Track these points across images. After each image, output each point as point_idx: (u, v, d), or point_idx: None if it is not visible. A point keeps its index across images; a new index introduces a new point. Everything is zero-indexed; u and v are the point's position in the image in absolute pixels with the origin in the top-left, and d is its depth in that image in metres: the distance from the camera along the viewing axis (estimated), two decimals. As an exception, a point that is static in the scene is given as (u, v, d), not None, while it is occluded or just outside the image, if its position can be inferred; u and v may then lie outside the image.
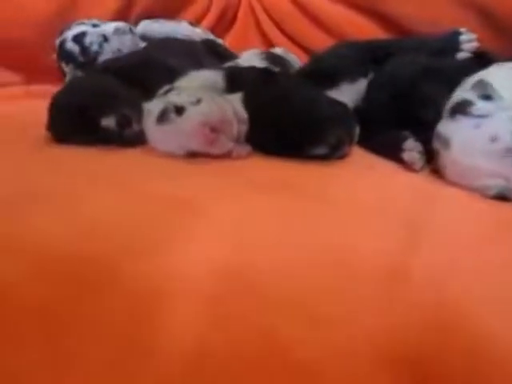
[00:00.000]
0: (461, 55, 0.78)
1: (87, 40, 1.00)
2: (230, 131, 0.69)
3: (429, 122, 0.66)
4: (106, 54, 0.99)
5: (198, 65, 0.92)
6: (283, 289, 0.41)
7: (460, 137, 0.57)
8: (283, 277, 0.43)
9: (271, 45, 1.30)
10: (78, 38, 1.01)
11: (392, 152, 0.67)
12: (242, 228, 0.50)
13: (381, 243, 0.47)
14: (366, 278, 0.42)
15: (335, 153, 0.68)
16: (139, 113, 0.75)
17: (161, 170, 0.66)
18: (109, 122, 0.73)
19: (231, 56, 1.07)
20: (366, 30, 1.14)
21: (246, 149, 0.71)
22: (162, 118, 0.70)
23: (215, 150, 0.69)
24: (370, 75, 0.79)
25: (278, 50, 0.97)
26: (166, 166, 0.67)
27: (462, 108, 0.58)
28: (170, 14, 1.27)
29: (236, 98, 0.74)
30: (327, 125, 0.66)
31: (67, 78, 1.04)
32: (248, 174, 0.64)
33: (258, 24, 1.32)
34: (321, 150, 0.68)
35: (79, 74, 1.00)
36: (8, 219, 0.50)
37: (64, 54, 1.02)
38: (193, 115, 0.68)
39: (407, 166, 0.66)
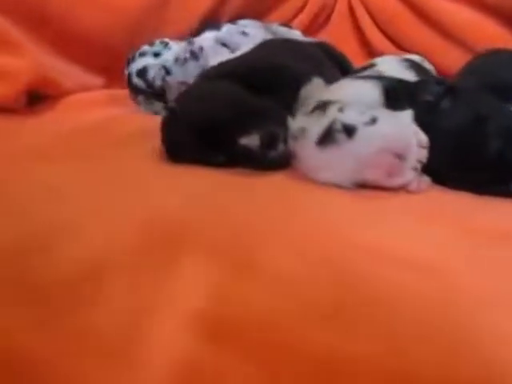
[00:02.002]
0: None
1: (150, 75, 0.90)
2: (412, 158, 0.55)
3: None
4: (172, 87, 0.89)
5: (321, 71, 0.79)
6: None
7: None
8: None
9: (370, 49, 1.17)
10: (142, 73, 0.90)
11: None
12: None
13: None
14: None
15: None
16: (285, 130, 0.62)
17: (336, 207, 0.52)
18: (251, 140, 0.60)
19: (348, 62, 0.93)
20: (493, 34, 0.99)
21: (426, 180, 0.57)
22: (326, 139, 0.56)
23: (395, 182, 0.55)
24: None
25: (415, 57, 0.83)
26: (336, 202, 0.54)
27: None
28: (261, 13, 1.15)
29: (407, 117, 0.60)
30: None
31: (142, 107, 0.93)
32: (462, 220, 0.49)
33: (356, 26, 1.19)
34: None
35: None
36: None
37: (132, 87, 0.92)
38: (370, 138, 0.54)
39: None
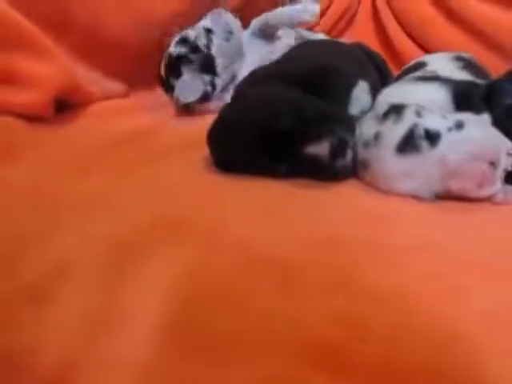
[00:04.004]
0: None
1: (191, 36, 0.86)
2: (502, 166, 0.51)
3: None
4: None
5: (364, 72, 0.75)
6: None
7: None
8: None
9: (394, 51, 1.14)
10: (183, 40, 0.86)
11: None
12: None
13: None
14: None
15: None
16: (353, 136, 0.58)
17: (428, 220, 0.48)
18: (319, 148, 0.55)
19: (385, 63, 0.89)
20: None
21: (511, 190, 0.53)
22: (407, 146, 0.52)
23: (484, 193, 0.51)
24: None
25: (465, 55, 0.79)
26: (425, 215, 0.49)
27: None
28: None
29: (485, 122, 0.56)
30: None
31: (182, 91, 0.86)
32: None
33: (379, 28, 1.16)
34: None
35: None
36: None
37: (172, 64, 0.87)
38: (459, 144, 0.50)
39: None
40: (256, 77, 0.70)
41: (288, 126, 0.55)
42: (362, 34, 1.17)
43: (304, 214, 0.50)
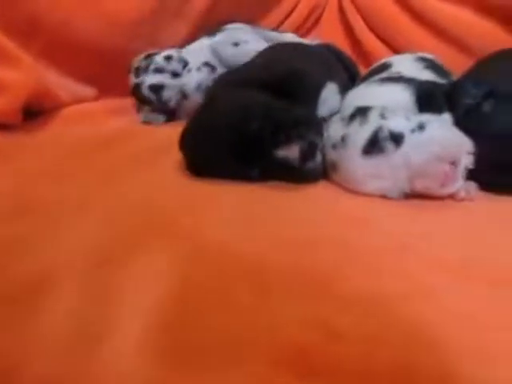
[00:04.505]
0: None
1: (165, 94, 0.86)
2: (463, 165, 0.53)
3: None
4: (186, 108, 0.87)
5: (332, 74, 0.76)
6: None
7: None
8: None
9: (362, 50, 1.16)
10: (156, 90, 0.86)
11: None
12: None
13: None
14: None
15: None
16: (322, 139, 0.59)
17: (399, 220, 0.50)
18: (290, 151, 0.56)
19: (354, 64, 0.91)
20: (491, 34, 0.99)
21: (473, 186, 0.56)
22: (373, 148, 0.54)
23: (447, 190, 0.53)
24: None
25: (428, 56, 0.81)
26: (396, 214, 0.51)
27: None
28: (252, 17, 1.12)
29: (446, 122, 0.58)
30: None
31: (142, 117, 0.88)
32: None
33: (347, 27, 1.18)
34: None
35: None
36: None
37: (140, 97, 0.88)
38: (422, 145, 0.52)
39: None
40: (226, 81, 0.71)
41: (259, 130, 0.57)
42: (329, 33, 1.18)
43: (278, 216, 0.52)
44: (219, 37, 0.95)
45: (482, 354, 0.33)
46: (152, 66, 0.85)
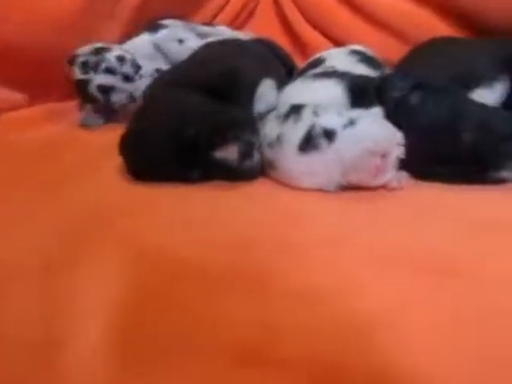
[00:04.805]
0: None
1: (114, 97, 0.82)
2: (394, 156, 0.56)
3: None
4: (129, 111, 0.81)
5: (269, 70, 0.77)
6: None
7: None
8: None
9: (298, 41, 1.17)
10: (105, 91, 0.82)
11: None
12: None
13: None
14: None
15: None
16: (258, 138, 0.60)
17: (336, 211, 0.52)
18: (228, 153, 0.57)
19: (290, 58, 0.92)
20: (427, 24, 1.02)
21: (405, 176, 0.58)
22: (307, 145, 0.55)
23: (379, 181, 0.55)
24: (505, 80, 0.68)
25: (358, 47, 0.83)
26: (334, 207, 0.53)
27: None
28: (184, 12, 1.11)
29: (377, 115, 0.60)
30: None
31: (83, 118, 0.85)
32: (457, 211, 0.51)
33: (282, 19, 1.18)
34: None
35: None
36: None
37: (85, 95, 0.83)
38: (353, 140, 0.54)
39: None
40: (163, 82, 0.70)
41: (196, 135, 0.57)
42: (264, 25, 1.18)
43: (217, 217, 0.53)
44: (162, 33, 0.94)
45: (409, 343, 0.35)
46: (103, 65, 0.81)
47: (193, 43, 0.93)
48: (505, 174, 0.56)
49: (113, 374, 0.36)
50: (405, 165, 0.58)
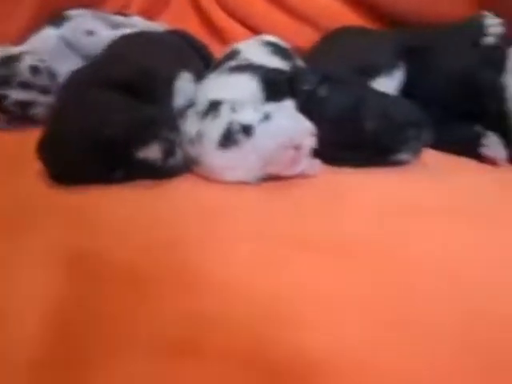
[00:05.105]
0: (487, 40, 0.77)
1: (34, 111, 0.79)
2: (307, 146, 0.60)
3: (492, 112, 0.65)
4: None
5: (186, 63, 0.79)
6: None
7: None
8: None
9: (215, 30, 1.18)
10: (24, 106, 0.78)
11: (469, 148, 0.65)
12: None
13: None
14: None
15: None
16: (179, 135, 0.63)
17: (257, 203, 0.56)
18: (150, 152, 0.59)
19: (207, 49, 0.94)
20: (338, 12, 1.07)
21: (317, 163, 0.63)
22: (227, 141, 0.58)
23: (295, 171, 0.60)
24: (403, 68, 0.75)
25: (271, 39, 0.86)
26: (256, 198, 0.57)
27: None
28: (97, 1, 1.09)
29: (290, 107, 0.65)
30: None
31: None
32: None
33: (198, 8, 1.19)
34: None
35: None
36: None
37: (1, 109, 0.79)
38: (269, 134, 0.58)
39: (489, 161, 0.64)
40: (79, 81, 0.70)
41: (117, 133, 0.58)
42: (180, 15, 1.19)
43: (144, 218, 0.54)
44: (68, 26, 0.91)
45: (325, 328, 0.39)
46: (16, 79, 0.77)
47: (104, 34, 0.91)
48: (403, 156, 0.63)
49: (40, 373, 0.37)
50: (317, 153, 0.63)
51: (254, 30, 1.12)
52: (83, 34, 0.91)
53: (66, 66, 0.83)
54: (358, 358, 0.37)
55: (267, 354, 0.37)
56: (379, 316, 0.40)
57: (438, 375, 0.35)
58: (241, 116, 0.59)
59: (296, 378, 0.36)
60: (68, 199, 0.58)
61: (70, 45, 0.89)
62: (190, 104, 0.70)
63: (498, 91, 0.66)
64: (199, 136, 0.60)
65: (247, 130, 0.58)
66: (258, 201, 0.57)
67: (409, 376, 0.36)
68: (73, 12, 0.95)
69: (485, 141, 0.64)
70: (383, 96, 0.66)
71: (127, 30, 0.92)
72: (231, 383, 0.36)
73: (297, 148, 0.58)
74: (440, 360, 0.36)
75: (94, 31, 0.91)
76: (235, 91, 0.65)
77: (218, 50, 0.98)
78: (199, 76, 0.78)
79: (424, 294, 0.42)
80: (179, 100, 0.73)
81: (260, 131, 0.58)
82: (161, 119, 0.61)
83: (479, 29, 0.77)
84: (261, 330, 0.39)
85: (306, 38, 0.99)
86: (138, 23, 1.03)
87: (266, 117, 0.59)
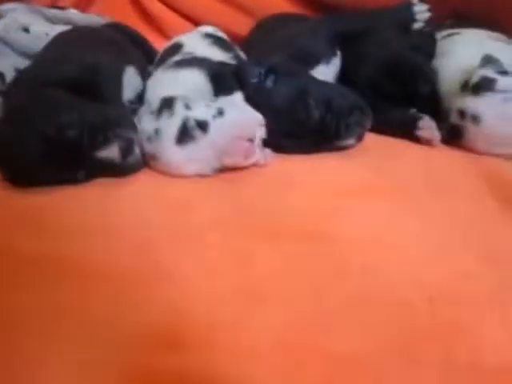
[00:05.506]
0: (416, 25, 0.83)
1: None
2: (258, 138, 0.64)
3: (424, 95, 0.72)
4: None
5: (128, 57, 0.80)
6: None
7: (491, 111, 0.64)
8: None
9: (145, 14, 1.18)
10: None
11: (406, 131, 0.71)
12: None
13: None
14: None
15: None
16: (136, 132, 0.65)
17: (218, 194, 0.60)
18: (109, 151, 0.61)
19: (146, 41, 0.95)
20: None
21: (269, 153, 0.67)
22: (184, 137, 0.61)
23: (249, 162, 0.64)
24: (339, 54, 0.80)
25: (209, 29, 0.88)
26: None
27: (487, 85, 0.65)
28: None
29: (239, 100, 0.68)
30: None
31: None
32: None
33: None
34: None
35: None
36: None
37: None
38: (223, 129, 0.61)
39: (425, 142, 0.71)
40: (25, 82, 0.69)
41: (74, 134, 0.59)
42: (115, 4, 1.18)
43: (108, 218, 0.56)
44: (1, 23, 0.90)
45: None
46: None
47: (41, 29, 0.89)
48: (348, 141, 0.68)
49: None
50: (267, 143, 0.67)
51: (193, 21, 1.14)
52: (19, 31, 0.89)
53: (6, 62, 0.83)
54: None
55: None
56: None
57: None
58: (195, 113, 0.62)
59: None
60: (25, 201, 0.58)
61: (7, 44, 0.87)
62: (140, 101, 0.72)
63: (429, 74, 0.72)
64: (157, 133, 0.62)
65: (203, 126, 0.61)
66: (216, 192, 0.61)
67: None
68: (6, 6, 0.93)
69: (420, 123, 0.71)
70: (325, 85, 0.71)
71: (64, 26, 0.91)
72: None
73: (250, 140, 0.62)
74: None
75: (30, 27, 0.90)
76: (185, 87, 0.68)
77: (153, 39, 1.00)
78: (144, 70, 0.80)
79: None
80: (128, 93, 0.74)
81: (215, 126, 0.61)
82: (119, 119, 0.63)
83: (408, 15, 0.83)
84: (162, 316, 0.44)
85: (242, 24, 1.01)
86: (74, 16, 1.02)
87: (220, 112, 0.62)
